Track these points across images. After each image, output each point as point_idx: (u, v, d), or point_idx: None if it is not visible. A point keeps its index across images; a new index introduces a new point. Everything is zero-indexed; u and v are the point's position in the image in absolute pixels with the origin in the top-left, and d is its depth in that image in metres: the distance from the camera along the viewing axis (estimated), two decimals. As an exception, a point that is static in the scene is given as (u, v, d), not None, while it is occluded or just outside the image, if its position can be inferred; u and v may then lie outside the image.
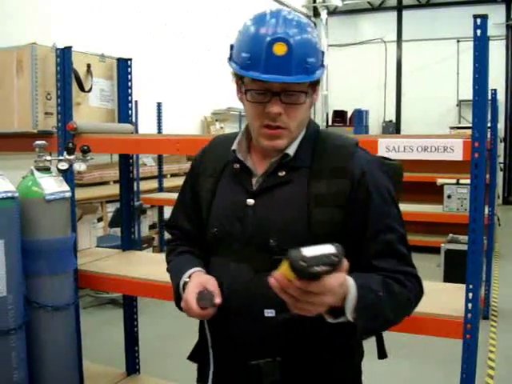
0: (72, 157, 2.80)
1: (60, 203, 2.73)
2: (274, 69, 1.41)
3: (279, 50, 1.40)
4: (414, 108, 14.55)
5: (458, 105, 14.32)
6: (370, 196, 1.49)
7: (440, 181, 6.87)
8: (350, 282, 1.31)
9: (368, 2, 15.55)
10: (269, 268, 1.27)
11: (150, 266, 3.10)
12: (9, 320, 2.55)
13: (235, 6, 10.85)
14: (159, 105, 6.92)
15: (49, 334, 2.78)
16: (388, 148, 2.43)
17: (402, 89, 15.16)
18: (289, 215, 1.49)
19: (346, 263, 1.22)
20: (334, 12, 15.49)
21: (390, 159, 1.76)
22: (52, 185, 2.70)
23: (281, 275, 1.18)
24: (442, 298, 2.57)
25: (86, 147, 2.78)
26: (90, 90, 3.30)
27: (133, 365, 3.67)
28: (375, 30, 15.37)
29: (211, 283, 1.52)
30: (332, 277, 1.18)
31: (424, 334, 2.48)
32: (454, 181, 6.68)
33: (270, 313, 1.49)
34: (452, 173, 6.66)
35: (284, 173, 1.53)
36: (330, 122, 13.51)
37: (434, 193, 7.01)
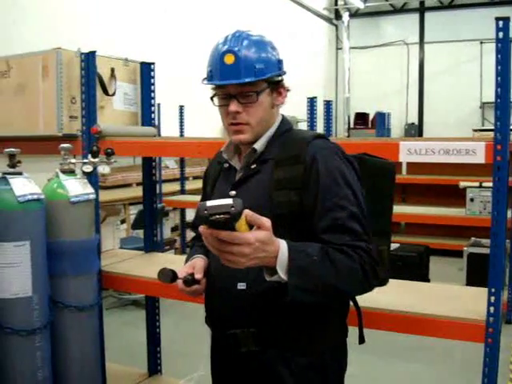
0: (96, 159, 2.84)
1: (84, 205, 2.77)
2: (227, 75, 1.74)
3: (228, 59, 1.74)
4: (437, 110, 14.46)
5: (481, 107, 14.19)
6: (319, 177, 1.69)
7: (462, 184, 6.82)
8: (283, 244, 1.50)
9: (390, 4, 15.50)
10: None
11: (173, 267, 3.12)
12: (34, 320, 2.60)
13: (256, 10, 10.89)
14: (181, 108, 6.96)
15: (73, 334, 2.82)
16: (410, 151, 2.43)
17: (424, 91, 15.07)
18: (257, 200, 1.71)
19: (267, 223, 1.43)
20: (355, 14, 15.44)
21: (377, 157, 1.97)
22: (77, 187, 2.75)
23: (203, 227, 1.38)
24: (464, 301, 2.57)
25: (110, 150, 2.82)
26: (113, 94, 3.34)
27: (154, 365, 3.71)
28: (397, 32, 15.31)
29: (198, 264, 1.84)
30: (249, 232, 1.40)
31: (445, 338, 2.47)
32: (477, 184, 6.64)
33: (241, 286, 1.72)
34: (475, 176, 6.63)
35: (255, 165, 1.81)
36: (351, 125, 13.46)
37: (456, 196, 6.96)
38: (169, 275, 1.74)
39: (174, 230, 7.42)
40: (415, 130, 14.60)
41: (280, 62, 1.83)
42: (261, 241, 1.42)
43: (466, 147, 2.36)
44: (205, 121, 9.06)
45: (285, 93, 1.85)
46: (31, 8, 6.38)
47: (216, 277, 1.81)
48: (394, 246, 5.72)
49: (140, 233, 6.51)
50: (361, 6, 14.59)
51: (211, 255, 1.81)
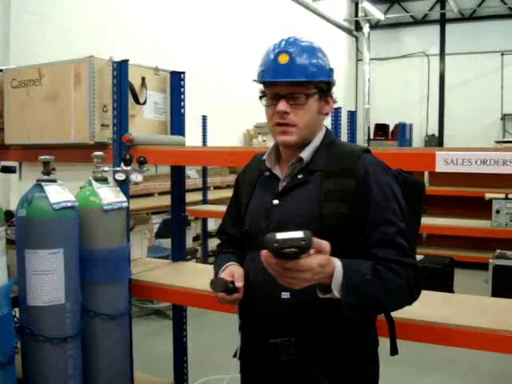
0: (129, 168, 2.84)
1: (117, 213, 2.77)
2: (280, 74, 1.76)
3: (283, 59, 1.76)
4: (457, 122, 14.39)
5: (502, 118, 14.11)
6: (372, 192, 1.72)
7: (488, 195, 6.77)
8: (338, 263, 1.53)
9: (410, 16, 15.48)
10: None
11: (201, 276, 3.10)
12: (66, 328, 2.59)
13: (277, 21, 10.93)
14: (204, 118, 6.97)
15: (103, 343, 2.81)
16: (446, 161, 2.40)
17: (444, 102, 15.01)
18: (304, 210, 1.75)
19: (327, 247, 1.47)
20: (376, 26, 15.45)
21: (410, 174, 1.97)
22: (109, 195, 2.75)
23: (266, 253, 1.41)
24: (491, 312, 2.53)
25: (142, 158, 2.82)
26: (144, 103, 3.34)
27: (181, 374, 3.69)
28: (418, 44, 15.29)
29: (237, 272, 1.84)
30: (311, 258, 1.43)
31: (475, 349, 2.42)
32: (503, 195, 6.57)
33: (285, 295, 1.73)
34: (501, 187, 6.56)
35: (302, 175, 1.81)
36: (371, 136, 13.42)
37: (481, 208, 6.89)
38: (222, 285, 1.76)
39: (195, 239, 7.41)
40: (435, 142, 14.54)
41: (331, 70, 1.85)
42: (321, 265, 1.46)
43: (503, 157, 2.32)
44: (226, 130, 9.15)
45: (332, 103, 1.86)
46: (62, 16, 6.46)
47: (258, 285, 1.82)
48: (418, 257, 5.66)
49: (162, 242, 6.53)
50: (381, 17, 14.59)
51: (252, 263, 1.85)
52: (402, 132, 9.14)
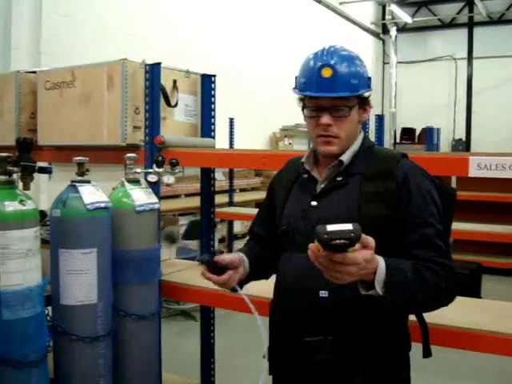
0: (161, 169, 2.87)
1: (149, 214, 2.80)
2: (323, 88, 1.81)
3: (326, 73, 1.81)
4: (485, 127, 14.23)
5: (530, 123, 13.93)
6: (411, 194, 1.77)
7: (518, 201, 6.70)
8: (381, 260, 1.56)
9: (438, 19, 15.37)
10: None
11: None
12: (98, 327, 2.62)
13: (304, 24, 10.93)
14: (231, 120, 7.00)
15: (133, 343, 2.84)
16: (480, 166, 2.38)
17: (472, 107, 14.86)
18: (343, 211, 1.79)
19: (372, 242, 1.48)
20: (403, 29, 15.35)
21: (442, 182, 1.97)
22: (142, 196, 2.78)
23: (314, 246, 1.44)
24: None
25: (174, 160, 2.85)
26: (175, 105, 3.37)
27: (208, 376, 3.70)
28: (445, 47, 15.15)
29: (230, 256, 1.92)
30: (357, 252, 1.44)
31: (503, 355, 2.40)
32: (533, 201, 6.50)
33: (324, 293, 1.76)
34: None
35: (341, 178, 1.87)
36: (397, 140, 13.34)
37: (510, 213, 6.81)
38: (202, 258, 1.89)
39: (221, 241, 7.44)
40: (463, 146, 14.39)
41: (370, 79, 1.91)
42: (366, 260, 1.48)
43: (538, 163, 2.30)
44: (252, 133, 9.18)
45: (369, 109, 1.93)
46: (94, 20, 6.53)
47: (295, 284, 1.84)
48: (445, 262, 5.61)
49: (189, 243, 6.56)
50: (409, 20, 14.50)
51: (289, 262, 1.90)
52: (429, 136, 9.04)
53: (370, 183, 1.81)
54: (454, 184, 7.55)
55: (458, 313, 2.44)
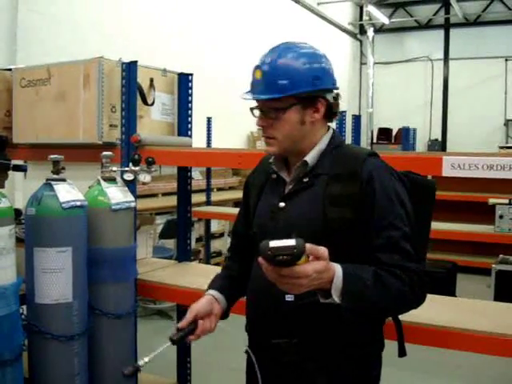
0: (137, 168, 2.87)
1: (125, 213, 2.80)
2: (253, 90, 1.80)
3: (257, 74, 1.78)
4: (461, 127, 14.37)
5: (505, 124, 14.10)
6: (375, 196, 1.71)
7: (492, 201, 6.75)
8: (338, 269, 1.54)
9: (415, 20, 15.49)
10: None
11: (206, 277, 3.08)
12: (73, 326, 2.62)
13: (281, 24, 10.96)
14: (209, 120, 6.99)
15: (109, 341, 2.84)
16: (453, 166, 2.41)
17: (448, 107, 15.00)
18: (309, 214, 1.76)
19: (324, 253, 1.47)
20: (380, 30, 15.45)
21: (420, 175, 1.93)
22: (118, 195, 2.78)
23: (261, 259, 1.42)
24: (493, 316, 2.55)
25: (151, 159, 2.85)
26: (152, 104, 3.36)
27: (184, 376, 3.71)
28: (422, 48, 15.28)
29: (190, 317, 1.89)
30: (307, 264, 1.43)
31: (477, 352, 2.43)
32: (507, 201, 6.56)
33: (289, 298, 1.73)
34: (504, 193, 6.56)
35: (307, 179, 1.81)
36: (374, 140, 13.43)
37: (485, 213, 6.89)
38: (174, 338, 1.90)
39: (198, 240, 7.43)
40: (438, 146, 14.53)
41: (316, 77, 1.76)
42: (318, 271, 1.47)
43: (510, 163, 2.34)
44: (229, 133, 9.18)
45: (322, 108, 1.79)
46: (70, 18, 6.49)
47: (264, 288, 1.79)
48: (421, 261, 5.67)
49: (165, 242, 6.54)
50: (386, 21, 14.60)
51: (258, 265, 1.81)
52: (405, 136, 9.12)
53: (334, 184, 1.75)
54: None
55: (434, 311, 2.48)
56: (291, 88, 1.74)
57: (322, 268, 1.48)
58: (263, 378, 1.86)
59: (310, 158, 1.81)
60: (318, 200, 1.75)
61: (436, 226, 6.55)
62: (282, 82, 1.73)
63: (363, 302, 1.60)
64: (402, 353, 1.91)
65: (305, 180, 1.82)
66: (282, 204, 1.83)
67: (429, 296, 2.65)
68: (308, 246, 1.43)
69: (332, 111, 1.83)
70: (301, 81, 1.75)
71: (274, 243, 1.38)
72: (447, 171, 2.41)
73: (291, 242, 1.37)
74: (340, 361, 1.78)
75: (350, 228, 1.70)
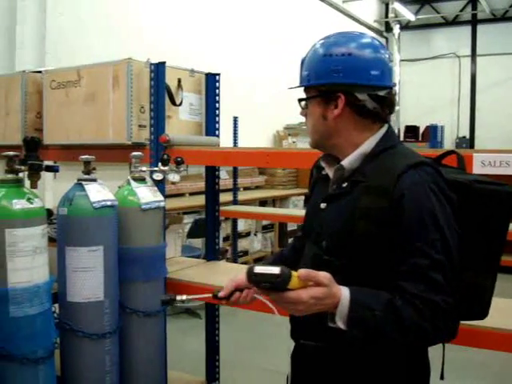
0: (166, 168, 2.89)
1: (154, 212, 2.82)
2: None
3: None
4: (489, 124, 14.20)
5: (534, 121, 13.91)
6: (403, 217, 1.54)
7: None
8: (345, 294, 1.46)
9: (441, 17, 15.35)
10: (320, 264, 1.56)
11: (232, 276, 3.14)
12: (104, 324, 2.65)
13: (307, 22, 10.94)
14: (235, 119, 7.01)
15: (139, 340, 2.87)
16: (483, 163, 2.39)
17: (476, 104, 14.84)
18: (340, 223, 1.66)
19: (324, 280, 1.41)
20: (406, 27, 15.33)
21: (497, 183, 1.67)
22: (147, 194, 2.80)
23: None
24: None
25: (180, 159, 2.87)
26: (180, 104, 3.39)
27: (212, 373, 3.73)
28: (449, 45, 15.13)
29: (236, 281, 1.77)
30: (302, 290, 1.39)
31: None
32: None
33: None
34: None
35: (346, 184, 1.68)
36: (401, 138, 13.33)
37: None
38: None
39: (225, 239, 7.46)
40: (466, 144, 14.37)
41: (336, 70, 1.64)
42: (316, 297, 1.41)
43: (542, 160, 2.31)
44: (256, 132, 9.19)
45: (341, 104, 1.66)
46: (98, 20, 6.56)
47: None
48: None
49: (193, 242, 6.58)
50: (412, 18, 14.48)
51: (302, 261, 1.83)
52: (433, 134, 9.07)
53: (367, 197, 1.60)
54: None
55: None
56: (310, 79, 1.71)
57: (321, 295, 1.41)
58: (298, 377, 1.84)
59: (348, 161, 1.69)
60: (350, 210, 1.63)
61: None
62: (305, 72, 1.72)
63: (370, 332, 1.49)
64: (441, 376, 1.82)
65: (343, 185, 1.69)
66: (323, 205, 1.75)
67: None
68: (306, 272, 1.40)
69: (365, 109, 1.66)
70: (317, 72, 1.69)
71: (259, 269, 1.37)
72: (478, 169, 2.38)
73: (275, 270, 1.36)
74: (366, 373, 1.66)
75: (376, 244, 1.57)
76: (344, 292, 1.46)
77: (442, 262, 1.50)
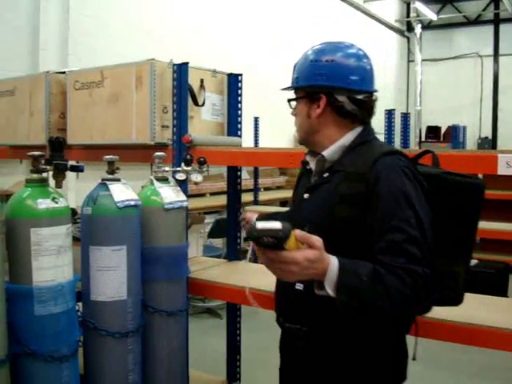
0: (189, 168, 2.90)
1: (177, 212, 2.83)
2: None
3: None
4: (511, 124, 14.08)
5: (558, 121, 13.76)
6: (380, 198, 1.68)
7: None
8: (334, 261, 1.53)
9: (464, 16, 15.23)
10: None
11: (257, 275, 3.12)
12: (127, 323, 2.65)
13: (328, 23, 10.92)
14: (256, 119, 7.02)
15: (162, 339, 2.87)
16: (509, 164, 2.36)
17: (498, 104, 14.70)
18: (321, 209, 1.81)
19: (317, 242, 1.47)
20: (428, 26, 15.26)
21: (466, 175, 1.83)
22: (170, 194, 2.81)
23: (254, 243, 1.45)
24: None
25: (202, 159, 2.88)
26: (203, 105, 3.40)
27: (233, 373, 3.74)
28: (471, 44, 15.03)
29: None
30: (297, 251, 1.44)
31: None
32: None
33: (299, 286, 1.83)
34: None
35: (327, 174, 1.87)
36: (423, 138, 13.25)
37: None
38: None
39: (245, 240, 7.45)
40: (489, 145, 14.25)
41: (319, 74, 1.86)
42: (309, 260, 1.46)
43: None
44: (275, 132, 9.18)
45: (322, 104, 1.87)
46: (119, 21, 6.61)
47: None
48: (472, 261, 5.58)
49: (214, 241, 6.60)
50: (433, 17, 14.40)
51: None
52: (454, 134, 9.00)
53: (345, 183, 1.76)
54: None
55: (484, 312, 2.44)
56: (298, 81, 1.93)
57: (314, 257, 1.47)
58: (285, 359, 2.04)
59: (328, 152, 1.88)
60: (330, 196, 1.78)
61: (488, 225, 6.45)
62: (295, 75, 1.96)
63: (358, 298, 1.55)
64: (414, 357, 1.93)
65: (325, 175, 1.88)
66: (306, 195, 1.93)
67: (480, 296, 2.63)
68: (301, 233, 1.46)
69: (343, 110, 1.86)
70: (305, 75, 1.91)
71: (261, 225, 1.39)
72: (503, 169, 2.36)
73: (277, 224, 1.38)
74: (349, 357, 1.80)
75: (356, 228, 1.71)
76: (332, 259, 1.54)
77: (416, 237, 1.62)
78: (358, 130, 1.89)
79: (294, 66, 1.98)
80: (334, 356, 1.81)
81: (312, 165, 1.96)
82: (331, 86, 1.85)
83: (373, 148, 1.83)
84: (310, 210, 1.86)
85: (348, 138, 1.88)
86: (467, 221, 1.81)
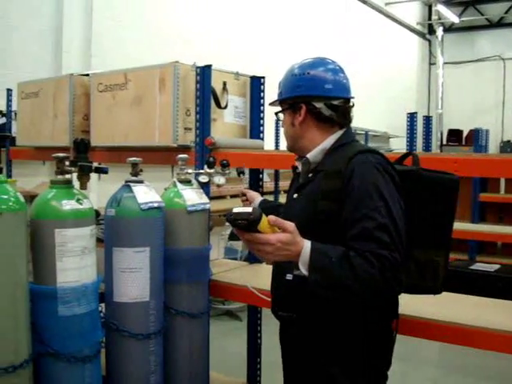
0: (212, 170, 2.91)
1: (200, 214, 2.84)
2: None
3: None
4: (535, 128, 13.94)
5: None
6: (353, 190, 1.84)
7: None
8: (307, 244, 1.73)
9: (486, 19, 15.11)
10: None
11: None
12: (149, 325, 2.66)
13: (350, 26, 10.89)
14: (277, 122, 7.01)
15: (184, 340, 2.88)
16: (535, 168, 2.35)
17: (521, 108, 14.56)
18: (306, 205, 1.99)
19: (290, 227, 1.68)
20: (449, 29, 15.16)
21: (441, 172, 2.06)
22: (193, 197, 2.82)
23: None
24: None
25: (225, 161, 2.88)
26: (225, 107, 3.41)
27: (254, 375, 3.72)
28: (493, 47, 14.91)
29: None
30: (270, 234, 1.65)
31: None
32: None
33: (289, 277, 2.02)
34: None
35: (311, 174, 2.07)
36: (444, 141, 13.16)
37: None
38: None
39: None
40: (511, 148, 14.11)
41: (298, 86, 2.08)
42: (282, 242, 1.67)
43: None
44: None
45: (302, 112, 2.08)
46: (141, 24, 6.65)
47: (274, 266, 2.21)
48: (494, 266, 5.55)
49: (234, 244, 6.60)
50: (455, 20, 14.31)
51: None
52: (477, 138, 8.90)
53: (325, 181, 1.94)
54: (502, 186, 7.44)
55: (506, 316, 2.41)
56: (281, 95, 2.16)
57: (286, 239, 1.68)
58: (283, 345, 2.23)
59: (311, 155, 2.08)
60: (314, 195, 1.96)
61: (510, 230, 6.39)
62: (279, 90, 2.19)
63: (327, 277, 1.73)
64: None
65: (309, 176, 2.07)
66: (295, 195, 2.13)
67: (501, 301, 2.60)
68: (273, 218, 1.65)
69: (322, 115, 2.05)
70: (286, 89, 2.14)
71: (236, 209, 1.61)
72: (525, 174, 2.35)
73: (249, 209, 1.60)
74: (338, 343, 1.96)
75: (335, 220, 1.86)
76: (306, 242, 1.74)
77: (386, 224, 1.78)
78: (339, 133, 2.08)
79: (279, 83, 2.18)
80: (322, 339, 1.97)
81: (300, 168, 2.16)
82: (309, 96, 2.05)
83: (349, 149, 1.99)
84: (298, 207, 2.06)
85: (329, 141, 2.07)
86: (443, 214, 2.02)
